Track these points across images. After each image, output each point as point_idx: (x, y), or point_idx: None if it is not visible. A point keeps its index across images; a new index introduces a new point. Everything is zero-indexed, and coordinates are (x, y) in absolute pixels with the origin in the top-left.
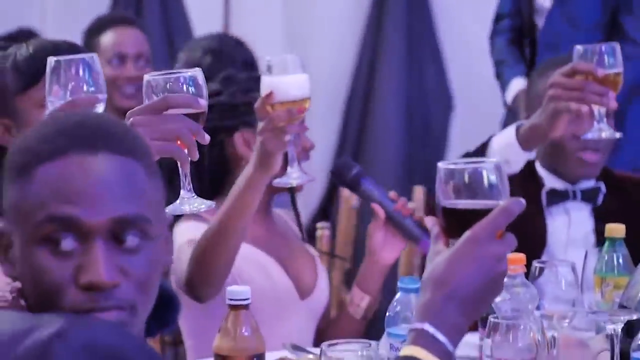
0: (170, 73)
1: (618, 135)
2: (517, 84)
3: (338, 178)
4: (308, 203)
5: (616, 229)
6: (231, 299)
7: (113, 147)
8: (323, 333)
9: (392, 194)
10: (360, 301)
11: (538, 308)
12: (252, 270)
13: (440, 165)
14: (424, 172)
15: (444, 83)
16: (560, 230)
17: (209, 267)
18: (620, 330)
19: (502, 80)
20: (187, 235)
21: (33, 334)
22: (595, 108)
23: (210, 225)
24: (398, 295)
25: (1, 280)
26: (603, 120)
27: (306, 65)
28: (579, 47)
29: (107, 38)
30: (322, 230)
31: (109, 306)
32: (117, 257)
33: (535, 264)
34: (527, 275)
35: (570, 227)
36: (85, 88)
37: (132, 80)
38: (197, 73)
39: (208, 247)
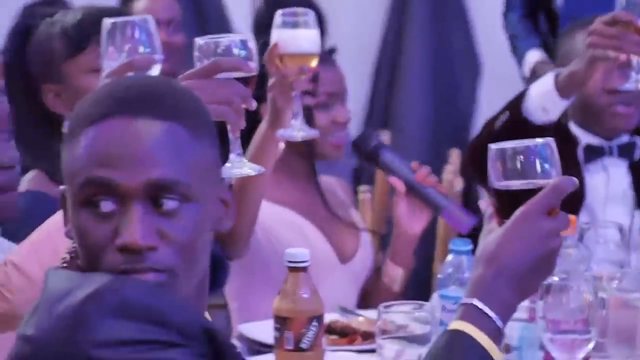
0: (221, 37)
1: None
2: (534, 56)
3: (358, 150)
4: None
5: None
6: (290, 261)
7: (154, 110)
8: (365, 300)
9: (414, 164)
10: (393, 274)
11: (587, 270)
12: (290, 233)
13: (492, 145)
14: (453, 138)
15: (471, 48)
16: (598, 186)
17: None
18: None
19: (518, 54)
20: None
21: (74, 294)
22: (634, 59)
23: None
24: (450, 257)
25: (68, 240)
26: None
27: (334, 32)
28: None
29: (140, 4)
30: (364, 193)
31: (145, 268)
32: (155, 220)
33: (583, 225)
34: None
35: (608, 183)
36: (141, 49)
37: (164, 45)
38: (248, 37)
39: None
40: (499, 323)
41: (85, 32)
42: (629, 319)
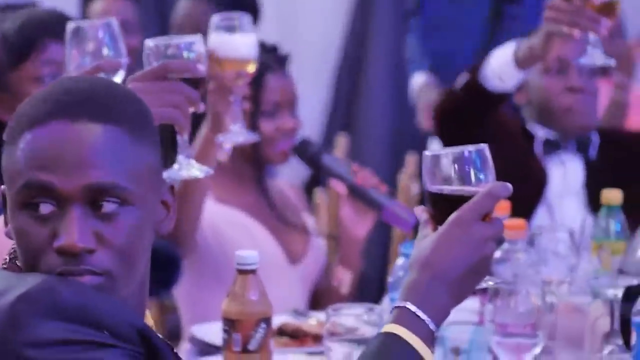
0: (171, 39)
1: (612, 62)
2: (419, 78)
3: (299, 155)
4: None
5: (613, 196)
6: (239, 264)
7: (94, 114)
8: (315, 302)
9: (354, 167)
10: (342, 277)
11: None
12: (238, 234)
13: (427, 152)
14: (413, 142)
15: None
16: (556, 180)
17: (175, 226)
18: (619, 295)
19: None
20: None
21: (8, 294)
22: (590, 34)
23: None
24: (400, 260)
25: (10, 242)
26: (597, 46)
27: (296, 35)
28: None
29: (97, 6)
30: (319, 196)
31: (82, 270)
32: (93, 223)
33: (534, 230)
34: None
35: (565, 177)
36: (105, 52)
37: None
38: (197, 39)
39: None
40: (432, 326)
41: (27, 40)
42: (577, 322)
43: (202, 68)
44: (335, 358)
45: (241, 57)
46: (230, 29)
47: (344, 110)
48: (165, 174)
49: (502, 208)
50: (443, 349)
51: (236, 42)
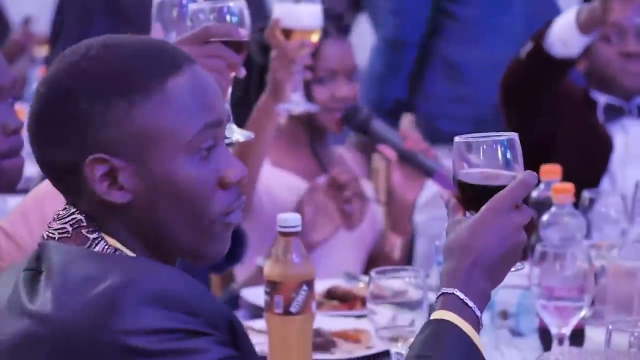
0: (214, 3)
1: None
2: None
3: (348, 122)
4: None
5: None
6: (281, 226)
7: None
8: (370, 267)
9: (403, 131)
10: (393, 243)
11: (588, 238)
12: (294, 199)
13: (457, 138)
14: None
15: None
16: (618, 146)
17: None
18: None
19: None
20: None
21: (106, 279)
22: None
23: None
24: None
25: (56, 207)
26: None
27: None
28: None
29: None
30: (378, 162)
31: (241, 204)
32: None
33: (586, 194)
34: (576, 205)
35: (628, 144)
36: (188, 23)
37: None
38: (241, 3)
39: None
40: (478, 313)
41: None
42: (627, 286)
43: (244, 32)
44: (378, 321)
45: (305, 27)
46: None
47: None
48: None
49: (553, 172)
50: (491, 312)
51: (301, 12)
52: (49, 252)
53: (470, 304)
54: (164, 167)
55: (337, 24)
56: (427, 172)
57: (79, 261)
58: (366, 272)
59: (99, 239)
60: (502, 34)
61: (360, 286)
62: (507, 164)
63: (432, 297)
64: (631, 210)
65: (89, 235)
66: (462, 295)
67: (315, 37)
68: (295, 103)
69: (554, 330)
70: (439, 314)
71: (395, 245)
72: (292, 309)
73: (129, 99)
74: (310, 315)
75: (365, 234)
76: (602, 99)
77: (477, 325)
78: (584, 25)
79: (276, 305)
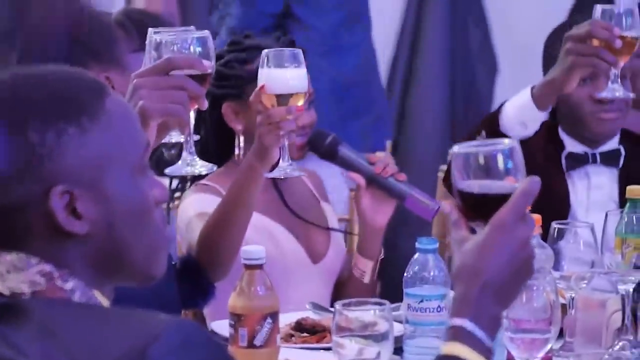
0: (177, 33)
1: (632, 95)
2: None
3: (314, 149)
4: None
5: (637, 190)
6: (245, 259)
7: None
8: (337, 297)
9: (371, 156)
10: (364, 267)
11: (557, 269)
12: (259, 237)
13: (455, 149)
14: (467, 134)
15: (488, 45)
16: (580, 193)
17: (214, 251)
18: (631, 290)
19: None
20: (197, 208)
21: (128, 334)
22: (611, 69)
23: (212, 213)
24: (416, 256)
25: None
26: (617, 80)
27: None
28: (597, 7)
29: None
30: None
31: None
32: None
33: (555, 225)
34: (545, 236)
35: (590, 190)
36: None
37: None
38: (206, 34)
39: (214, 233)
40: (488, 342)
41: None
42: (596, 317)
43: (208, 64)
44: (344, 354)
45: (291, 91)
46: (280, 64)
47: (399, 105)
48: (169, 170)
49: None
50: None
51: (286, 77)
52: (31, 309)
53: (481, 333)
54: (119, 189)
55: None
56: (398, 196)
57: (81, 322)
58: (334, 299)
59: (75, 289)
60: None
61: (329, 317)
62: (508, 172)
63: (398, 328)
64: (601, 242)
65: (64, 287)
66: (472, 326)
67: (301, 102)
68: (284, 169)
69: None
70: (449, 348)
71: (366, 269)
72: (256, 342)
73: (78, 123)
74: (274, 348)
75: (331, 264)
76: (568, 145)
77: (488, 355)
78: (543, 100)
79: (240, 339)
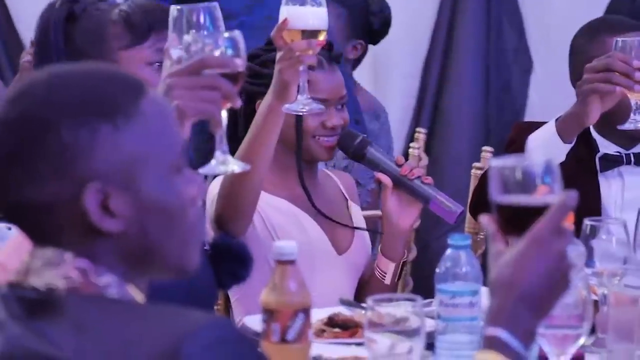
0: (209, 34)
1: None
2: None
3: (343, 149)
4: None
5: None
6: (278, 254)
7: None
8: (358, 295)
9: (399, 158)
10: (385, 268)
11: (589, 266)
12: (288, 224)
13: (493, 162)
14: (501, 133)
15: (523, 45)
16: (615, 194)
17: (235, 199)
18: None
19: None
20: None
21: (162, 333)
22: (632, 99)
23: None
24: (448, 252)
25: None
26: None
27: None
28: (617, 40)
29: None
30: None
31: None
32: None
33: (587, 222)
34: (577, 233)
35: (624, 190)
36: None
37: None
38: (236, 34)
39: (233, 181)
40: (523, 352)
41: (149, 24)
42: (630, 314)
43: (240, 62)
44: (376, 350)
45: (312, 27)
46: (302, 2)
47: (432, 104)
48: (203, 169)
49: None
50: None
51: (307, 14)
52: (66, 304)
53: (516, 344)
54: (154, 188)
55: (327, 52)
56: (423, 199)
57: (115, 318)
58: (357, 298)
59: (109, 284)
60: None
61: (361, 313)
62: (545, 186)
63: (430, 324)
64: (634, 238)
65: (99, 282)
66: (506, 335)
67: (321, 37)
68: (302, 104)
69: (553, 359)
70: (484, 356)
71: (387, 270)
72: (289, 337)
73: (113, 122)
74: (306, 343)
75: (354, 259)
76: (601, 146)
77: None
78: (567, 133)
79: (273, 334)
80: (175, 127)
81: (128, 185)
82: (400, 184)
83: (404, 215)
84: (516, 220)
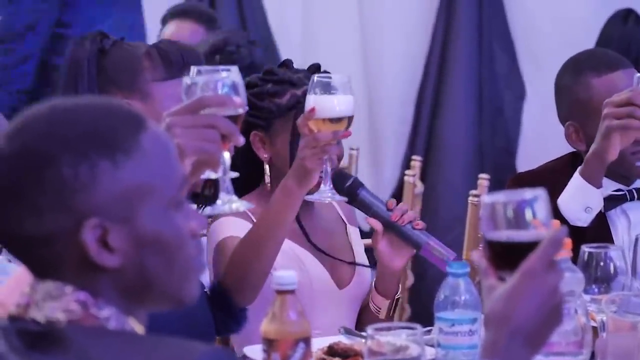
0: (208, 74)
1: None
2: None
3: (335, 188)
4: (380, 195)
5: None
6: (278, 284)
7: None
8: (358, 320)
9: (390, 202)
10: (379, 304)
11: (588, 292)
12: (287, 262)
13: (485, 199)
14: (495, 159)
15: (515, 71)
16: (622, 232)
17: (244, 274)
18: None
19: None
20: (227, 232)
21: None
22: None
23: (245, 234)
24: (447, 280)
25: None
26: None
27: (379, 56)
28: (638, 75)
29: (168, 30)
30: None
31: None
32: None
33: (585, 248)
34: (575, 260)
35: (630, 227)
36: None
37: None
38: (234, 75)
39: (244, 255)
40: None
41: (185, 61)
42: (628, 341)
43: (239, 101)
44: None
45: (338, 115)
46: (328, 89)
47: (426, 129)
48: (209, 210)
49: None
50: None
51: (333, 103)
52: (68, 337)
53: None
54: (152, 223)
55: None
56: (413, 245)
57: (117, 350)
58: (355, 327)
59: (110, 317)
60: None
61: (361, 342)
62: (536, 222)
63: (430, 352)
64: (632, 264)
65: (99, 315)
66: None
67: (346, 126)
68: (326, 194)
69: None
70: None
71: (382, 306)
72: None
73: (112, 158)
74: None
75: (355, 292)
76: (605, 187)
77: None
78: (594, 177)
79: None
80: (176, 162)
81: (126, 221)
82: (392, 228)
83: (395, 258)
84: (507, 256)
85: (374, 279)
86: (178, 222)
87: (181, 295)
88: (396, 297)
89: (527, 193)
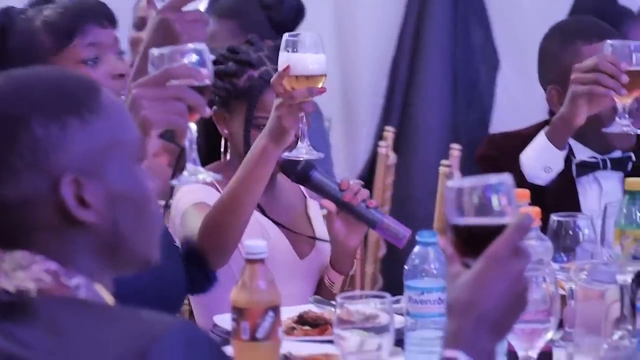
0: (175, 47)
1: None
2: None
3: (287, 173)
4: (354, 167)
5: (636, 183)
6: (248, 253)
7: None
8: (317, 292)
9: (343, 182)
10: (334, 279)
11: (557, 261)
12: (252, 231)
13: (449, 184)
14: (469, 132)
15: (490, 42)
16: (592, 200)
17: (218, 237)
18: (630, 280)
19: None
20: (193, 199)
21: (129, 338)
22: (619, 103)
23: (220, 196)
24: (416, 248)
25: None
26: (625, 115)
27: (353, 27)
28: (609, 42)
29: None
30: None
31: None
32: None
33: (554, 217)
34: (544, 229)
35: (601, 196)
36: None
37: None
38: (202, 46)
39: (219, 218)
40: None
41: (70, 25)
42: (596, 308)
43: (206, 73)
44: (346, 347)
45: (312, 73)
46: (301, 46)
47: (400, 103)
48: (176, 181)
49: (522, 195)
50: None
51: (307, 60)
52: (38, 307)
53: None
54: (122, 177)
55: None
56: (368, 223)
57: (87, 320)
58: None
59: (79, 286)
60: None
61: (331, 311)
62: (501, 207)
63: (399, 320)
64: (601, 233)
65: (69, 284)
66: (465, 358)
67: (321, 84)
68: (304, 151)
69: (521, 353)
70: None
71: (335, 281)
72: (258, 335)
73: (79, 115)
74: (276, 341)
75: (316, 262)
76: (578, 153)
77: None
78: (559, 140)
79: (243, 332)
80: (132, 119)
81: (99, 176)
82: (345, 208)
83: (350, 237)
84: (472, 242)
85: (330, 256)
86: (142, 177)
87: (148, 255)
88: (350, 274)
89: (493, 178)
